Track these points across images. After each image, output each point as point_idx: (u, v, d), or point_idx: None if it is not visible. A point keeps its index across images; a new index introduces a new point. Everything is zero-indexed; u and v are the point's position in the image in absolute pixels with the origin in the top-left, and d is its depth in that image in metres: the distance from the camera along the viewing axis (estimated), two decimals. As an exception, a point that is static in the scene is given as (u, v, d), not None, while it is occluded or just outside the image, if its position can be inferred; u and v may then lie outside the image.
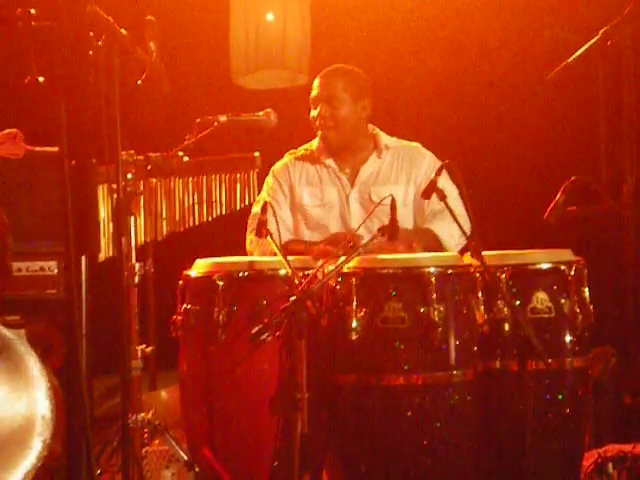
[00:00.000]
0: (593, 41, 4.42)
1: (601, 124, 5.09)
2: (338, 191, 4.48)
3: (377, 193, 4.40)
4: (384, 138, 4.52)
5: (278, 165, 4.57)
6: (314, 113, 4.42)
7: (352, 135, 4.46)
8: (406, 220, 4.38)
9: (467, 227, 3.81)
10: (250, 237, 4.39)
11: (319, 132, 4.45)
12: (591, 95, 5.03)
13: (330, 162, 4.50)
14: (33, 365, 3.61)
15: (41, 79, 3.00)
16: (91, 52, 3.08)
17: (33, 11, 3.02)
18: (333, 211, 4.47)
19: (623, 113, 4.44)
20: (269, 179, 4.53)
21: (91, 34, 3.14)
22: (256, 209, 4.26)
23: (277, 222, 3.93)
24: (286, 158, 4.59)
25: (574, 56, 4.48)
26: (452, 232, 4.19)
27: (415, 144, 4.56)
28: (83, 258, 2.56)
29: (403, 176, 4.47)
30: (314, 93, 4.43)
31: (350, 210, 4.46)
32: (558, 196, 4.22)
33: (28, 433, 3.59)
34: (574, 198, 4.19)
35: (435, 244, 4.27)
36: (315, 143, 4.54)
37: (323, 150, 4.50)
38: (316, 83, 4.45)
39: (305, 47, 6.03)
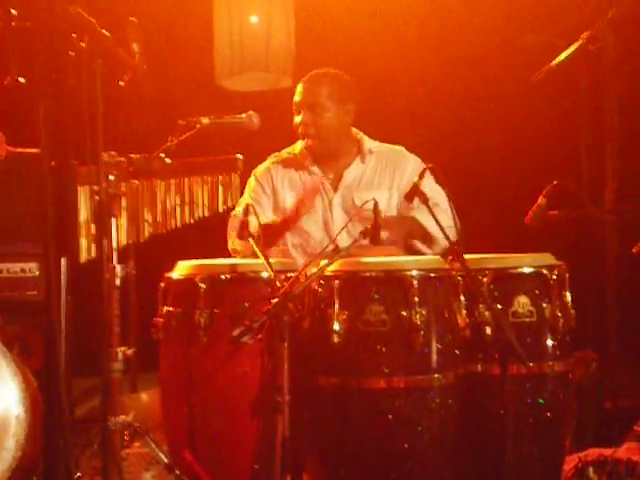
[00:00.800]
0: (575, 45, 4.44)
1: (583, 128, 5.11)
2: (321, 196, 4.47)
3: (360, 198, 4.38)
4: (368, 142, 4.52)
5: (261, 168, 4.56)
6: (297, 119, 4.42)
7: (335, 141, 4.46)
8: None
9: (452, 230, 3.82)
10: (233, 235, 4.39)
11: (301, 137, 4.44)
12: (573, 99, 5.04)
13: (314, 169, 4.49)
14: (7, 366, 3.60)
15: (21, 80, 2.99)
16: (72, 53, 3.07)
17: (14, 11, 3.00)
18: (315, 216, 4.47)
19: (605, 117, 4.45)
20: (251, 181, 4.52)
21: (74, 35, 3.14)
22: (238, 210, 4.25)
23: (259, 224, 3.93)
24: (269, 161, 4.58)
25: (557, 60, 4.49)
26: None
27: (399, 148, 4.56)
28: (63, 260, 2.55)
29: (386, 181, 4.47)
30: (297, 99, 4.42)
31: (333, 215, 4.45)
32: (539, 200, 4.24)
33: (3, 433, 3.57)
34: (555, 202, 4.21)
35: (420, 232, 4.26)
36: (298, 147, 4.53)
37: (307, 156, 4.49)
38: (299, 88, 4.44)
39: (289, 50, 6.03)
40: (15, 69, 2.97)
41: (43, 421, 3.28)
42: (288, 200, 4.48)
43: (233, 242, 4.38)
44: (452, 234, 3.82)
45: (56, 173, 2.52)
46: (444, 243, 4.07)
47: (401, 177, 4.46)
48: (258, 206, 4.36)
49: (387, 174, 4.48)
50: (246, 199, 4.37)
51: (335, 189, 4.48)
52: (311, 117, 4.37)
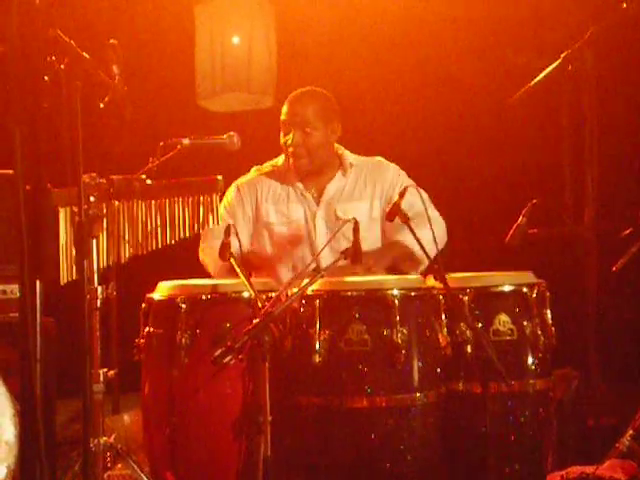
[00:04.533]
0: (554, 65, 4.46)
1: (563, 147, 5.14)
2: (304, 209, 4.49)
3: (342, 210, 4.43)
4: (349, 157, 4.55)
5: (243, 180, 4.57)
6: (286, 139, 4.42)
7: (323, 159, 4.48)
8: (374, 234, 4.43)
9: (432, 246, 3.83)
10: (202, 246, 4.42)
11: (290, 158, 4.45)
12: (553, 119, 5.07)
13: (298, 184, 4.51)
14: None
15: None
16: (46, 77, 3.07)
17: None
18: (299, 229, 4.48)
19: (585, 136, 4.47)
20: (231, 192, 4.53)
21: (53, 58, 3.14)
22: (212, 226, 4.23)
23: (239, 242, 3.94)
24: (253, 174, 4.59)
25: (536, 80, 4.51)
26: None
27: (377, 158, 4.59)
28: (37, 282, 2.54)
29: (368, 191, 4.49)
30: (286, 118, 4.42)
31: (316, 228, 4.46)
32: (520, 219, 4.26)
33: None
34: (536, 221, 4.23)
35: (406, 254, 4.28)
36: (281, 161, 4.55)
37: (291, 171, 4.51)
38: (287, 108, 4.44)
39: (271, 70, 6.05)
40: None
41: (21, 446, 3.27)
42: (271, 214, 4.50)
43: (202, 251, 4.42)
44: (432, 249, 3.82)
45: (32, 197, 2.52)
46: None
47: (382, 186, 4.49)
48: (232, 217, 4.41)
49: (368, 185, 4.50)
50: (222, 210, 4.38)
51: (318, 203, 4.50)
52: (301, 136, 4.38)
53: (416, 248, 4.18)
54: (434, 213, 4.31)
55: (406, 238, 4.23)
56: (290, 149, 4.42)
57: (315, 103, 4.43)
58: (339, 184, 4.51)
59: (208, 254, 4.40)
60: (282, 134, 4.45)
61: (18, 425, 3.60)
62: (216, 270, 4.36)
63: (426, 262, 4.21)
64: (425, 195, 4.14)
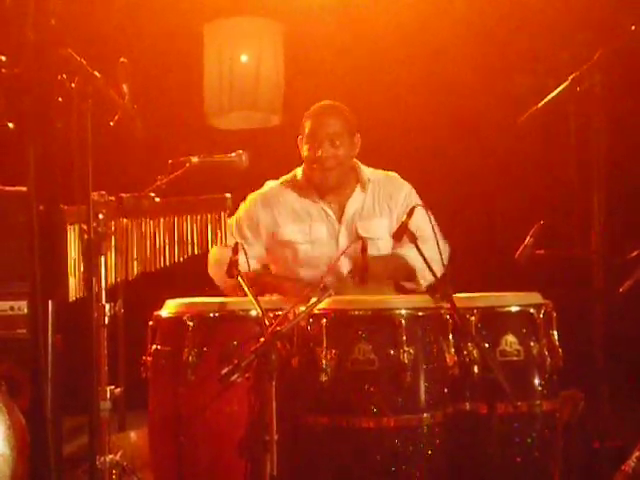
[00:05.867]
0: (563, 86, 4.47)
1: (571, 168, 5.13)
2: (327, 227, 4.48)
3: (364, 228, 4.42)
4: (366, 171, 4.54)
5: (257, 194, 4.56)
6: (313, 152, 4.40)
7: (347, 173, 4.49)
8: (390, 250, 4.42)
9: (438, 267, 3.84)
10: (211, 262, 4.44)
11: (316, 172, 4.44)
12: (561, 140, 5.06)
13: (319, 201, 4.49)
14: (-8, 404, 3.59)
15: (10, 125, 3.00)
16: (60, 99, 3.09)
17: (3, 58, 3.02)
18: (323, 247, 4.46)
19: (593, 158, 4.48)
20: (246, 205, 4.51)
21: (64, 76, 3.16)
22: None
23: (247, 260, 3.93)
24: (267, 189, 4.56)
25: (544, 101, 4.52)
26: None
27: (392, 174, 4.59)
28: (50, 302, 2.56)
29: (386, 208, 4.49)
30: (314, 131, 4.41)
31: (339, 247, 4.44)
32: (527, 239, 4.26)
33: (-13, 471, 3.55)
34: (543, 241, 4.23)
35: (406, 270, 4.28)
36: (299, 175, 4.52)
37: (310, 187, 4.50)
38: (314, 121, 4.43)
39: (278, 88, 6.07)
40: (4, 115, 2.99)
41: (30, 461, 3.26)
42: (293, 232, 4.48)
43: (211, 268, 4.44)
44: (438, 267, 3.83)
45: (45, 216, 2.53)
46: (430, 278, 4.09)
47: (395, 204, 4.49)
48: (244, 233, 4.44)
49: (385, 202, 4.50)
50: (233, 222, 4.40)
51: (339, 220, 4.48)
52: (330, 149, 4.38)
53: (418, 265, 4.20)
54: (440, 236, 4.31)
55: (409, 253, 4.25)
56: (317, 163, 4.39)
57: (341, 116, 4.44)
58: (358, 201, 4.49)
59: (216, 272, 4.41)
60: (307, 147, 4.43)
61: (14, 438, 3.59)
62: (224, 287, 4.36)
63: (426, 278, 4.23)
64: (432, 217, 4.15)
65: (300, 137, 4.47)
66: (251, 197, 4.56)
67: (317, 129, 4.40)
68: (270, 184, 4.59)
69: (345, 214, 4.48)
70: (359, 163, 4.56)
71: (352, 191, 4.51)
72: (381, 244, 4.39)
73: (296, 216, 4.49)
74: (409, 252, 4.22)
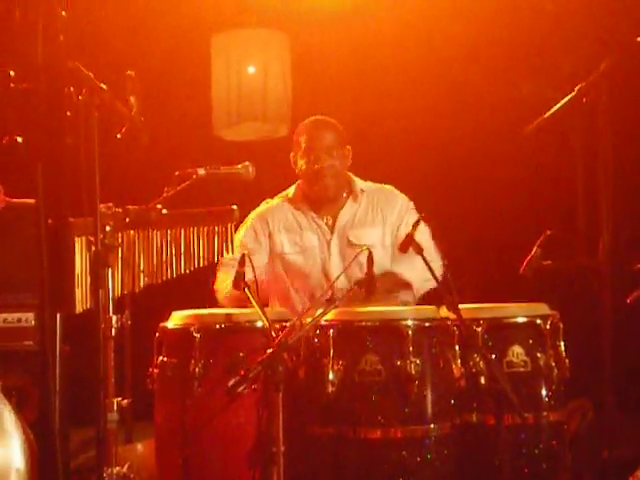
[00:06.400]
0: (569, 97, 4.47)
1: (578, 179, 5.14)
2: (319, 237, 4.52)
3: (355, 236, 4.48)
4: (359, 183, 4.59)
5: (254, 214, 4.61)
6: (311, 165, 4.45)
7: (341, 184, 4.54)
8: (385, 261, 4.45)
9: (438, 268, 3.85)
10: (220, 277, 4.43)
11: (316, 185, 4.48)
12: (568, 150, 5.08)
13: (311, 213, 4.54)
14: (8, 417, 3.57)
15: (19, 139, 3.02)
16: (69, 113, 3.10)
17: (12, 73, 3.04)
18: (313, 257, 4.50)
19: (599, 168, 4.47)
20: (244, 227, 4.55)
21: (71, 89, 3.17)
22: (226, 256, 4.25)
23: (254, 272, 3.94)
24: (263, 207, 4.62)
25: (551, 111, 4.52)
26: (415, 268, 4.19)
27: (388, 187, 4.65)
28: (58, 315, 2.56)
29: (379, 218, 4.54)
30: (311, 144, 4.47)
31: (331, 256, 4.49)
32: (534, 250, 4.25)
33: (2, 489, 3.54)
34: (550, 252, 4.22)
35: (399, 284, 4.32)
36: (292, 192, 4.58)
37: (302, 199, 4.54)
38: (310, 134, 4.49)
39: (286, 99, 6.08)
40: (13, 129, 3.00)
41: (38, 475, 3.26)
42: (285, 244, 4.54)
43: (218, 285, 4.45)
44: (438, 272, 3.84)
45: (53, 229, 2.54)
46: (423, 286, 4.27)
47: (391, 214, 4.54)
48: (248, 250, 4.41)
49: (379, 212, 4.56)
50: (236, 243, 4.41)
51: (332, 230, 4.52)
52: (328, 160, 4.45)
53: (406, 274, 4.29)
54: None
55: (396, 267, 4.31)
56: (316, 176, 4.46)
57: (333, 130, 4.53)
58: (351, 210, 4.55)
59: (219, 285, 4.43)
60: (304, 161, 4.47)
61: (28, 452, 3.59)
62: (224, 301, 4.37)
63: (419, 287, 4.30)
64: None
65: (293, 154, 4.53)
66: (249, 216, 4.62)
67: (313, 142, 4.47)
68: (266, 202, 4.67)
69: (337, 224, 4.53)
70: (352, 175, 4.62)
71: (345, 202, 4.57)
72: (373, 253, 4.41)
73: (288, 228, 4.56)
74: (402, 268, 4.29)
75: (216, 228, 3.70)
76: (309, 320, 3.62)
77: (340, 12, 6.03)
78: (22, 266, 4.34)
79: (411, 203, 4.58)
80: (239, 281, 3.83)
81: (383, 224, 4.53)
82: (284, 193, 4.65)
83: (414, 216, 4.18)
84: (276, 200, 4.64)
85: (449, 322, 3.71)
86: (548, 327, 3.78)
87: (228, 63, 6.03)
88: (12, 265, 4.39)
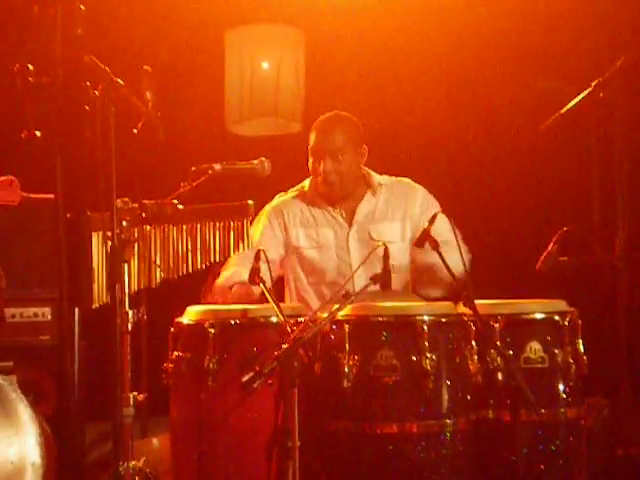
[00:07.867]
0: (585, 93, 4.46)
1: (594, 175, 5.12)
2: (335, 232, 4.50)
3: (376, 231, 4.46)
4: (376, 177, 4.56)
5: (269, 207, 4.59)
6: (317, 166, 4.44)
7: (353, 183, 4.50)
8: (404, 255, 4.44)
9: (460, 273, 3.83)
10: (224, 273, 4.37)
11: (321, 185, 4.46)
12: (584, 146, 5.06)
13: (327, 207, 4.52)
14: (24, 411, 3.58)
15: (38, 133, 3.02)
16: (87, 107, 3.10)
17: (31, 67, 3.04)
18: (329, 252, 4.49)
19: (615, 164, 4.46)
20: (259, 220, 4.53)
21: (88, 84, 3.17)
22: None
23: (270, 269, 3.94)
24: (278, 200, 4.60)
25: (567, 107, 4.51)
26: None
27: (407, 180, 4.62)
28: (76, 309, 2.57)
29: (399, 212, 4.52)
30: (316, 146, 4.44)
31: (350, 250, 4.47)
32: (550, 246, 4.24)
33: (18, 480, 3.55)
34: (566, 248, 4.21)
35: (433, 274, 4.28)
36: (307, 185, 4.56)
37: (317, 193, 4.53)
38: (316, 135, 4.46)
39: (299, 95, 6.07)
40: (32, 123, 3.01)
41: (56, 467, 3.27)
42: (301, 237, 4.52)
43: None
44: (460, 270, 3.82)
45: (71, 224, 2.55)
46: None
47: (413, 206, 4.52)
48: (264, 245, 4.39)
49: (399, 206, 4.53)
50: (253, 237, 4.39)
51: (349, 224, 4.50)
52: (331, 163, 4.41)
53: (444, 273, 4.19)
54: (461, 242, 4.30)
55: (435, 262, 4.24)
56: (321, 177, 4.43)
57: (343, 128, 4.46)
58: (370, 204, 4.53)
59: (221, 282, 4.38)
60: (311, 160, 4.47)
61: (44, 446, 3.60)
62: (221, 299, 4.31)
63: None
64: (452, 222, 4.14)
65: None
66: (264, 209, 4.59)
67: (319, 144, 4.44)
68: (279, 196, 4.64)
69: (355, 217, 4.51)
70: (367, 169, 4.58)
71: (362, 196, 4.54)
72: (393, 248, 4.39)
73: (304, 222, 4.54)
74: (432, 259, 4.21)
75: (232, 223, 3.70)
76: (325, 315, 3.61)
77: (354, 7, 6.02)
78: (38, 261, 4.36)
79: (430, 195, 4.55)
80: (254, 276, 3.83)
81: (403, 218, 4.51)
82: (298, 186, 4.63)
83: (435, 209, 4.15)
84: (290, 194, 4.63)
85: (466, 318, 3.70)
86: (566, 324, 3.76)
87: (241, 59, 6.03)
88: (28, 260, 4.40)
